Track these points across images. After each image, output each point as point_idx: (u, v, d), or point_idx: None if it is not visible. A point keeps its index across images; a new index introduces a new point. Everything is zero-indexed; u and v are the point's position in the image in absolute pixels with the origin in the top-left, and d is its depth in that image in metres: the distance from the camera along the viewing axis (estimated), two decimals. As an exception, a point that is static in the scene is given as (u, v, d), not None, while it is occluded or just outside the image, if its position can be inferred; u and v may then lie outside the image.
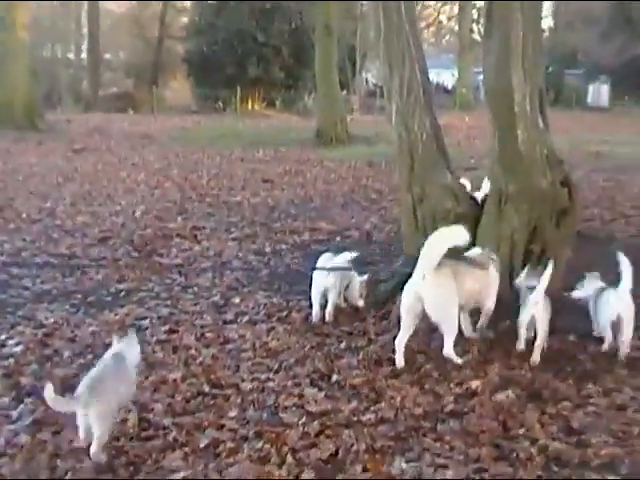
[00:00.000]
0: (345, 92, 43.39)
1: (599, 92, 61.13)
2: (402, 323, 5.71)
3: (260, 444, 4.33)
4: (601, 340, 5.85)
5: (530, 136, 6.47)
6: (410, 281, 5.73)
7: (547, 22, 62.62)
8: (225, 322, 6.64)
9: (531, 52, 6.46)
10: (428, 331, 6.10)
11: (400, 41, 7.03)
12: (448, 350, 5.58)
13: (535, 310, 5.70)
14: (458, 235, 5.74)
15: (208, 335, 6.28)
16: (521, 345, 5.79)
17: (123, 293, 7.56)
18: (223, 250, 9.34)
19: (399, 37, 7.03)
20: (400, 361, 5.56)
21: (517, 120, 6.40)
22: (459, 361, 5.53)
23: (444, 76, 63.82)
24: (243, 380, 5.30)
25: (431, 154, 7.07)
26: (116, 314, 6.85)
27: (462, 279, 5.81)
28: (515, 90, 6.37)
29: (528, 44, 6.41)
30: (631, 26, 51.96)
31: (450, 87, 59.61)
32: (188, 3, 52.60)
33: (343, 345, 5.98)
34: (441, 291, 5.65)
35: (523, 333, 5.80)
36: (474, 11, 52.93)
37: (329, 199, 13.53)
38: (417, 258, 5.69)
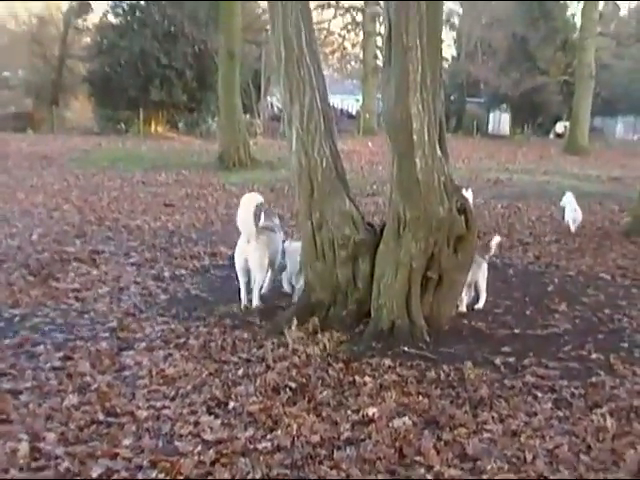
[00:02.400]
0: (249, 116, 43.53)
1: (499, 120, 62.78)
2: (239, 278, 7.90)
3: (154, 473, 4.28)
4: (493, 367, 6.00)
5: (428, 164, 6.59)
6: (240, 244, 7.83)
7: (450, 51, 63.88)
8: (121, 349, 6.50)
9: (429, 82, 6.60)
10: (325, 357, 6.17)
11: (301, 69, 7.08)
12: (256, 300, 7.78)
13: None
14: (253, 198, 7.79)
15: (104, 362, 6.14)
16: None
17: (17, 318, 7.34)
18: (121, 275, 9.19)
19: (300, 65, 7.07)
20: (245, 300, 7.84)
21: (415, 148, 6.53)
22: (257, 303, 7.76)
23: (348, 102, 64.49)
24: (139, 408, 5.21)
25: (330, 181, 7.12)
26: (9, 339, 6.64)
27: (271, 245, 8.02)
28: (413, 119, 6.49)
29: (426, 74, 6.55)
30: (529, 59, 53.46)
31: (354, 113, 60.13)
32: (90, 23, 51.88)
33: (241, 372, 5.94)
34: (258, 252, 7.77)
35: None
36: (378, 38, 53.62)
37: (230, 223, 13.42)
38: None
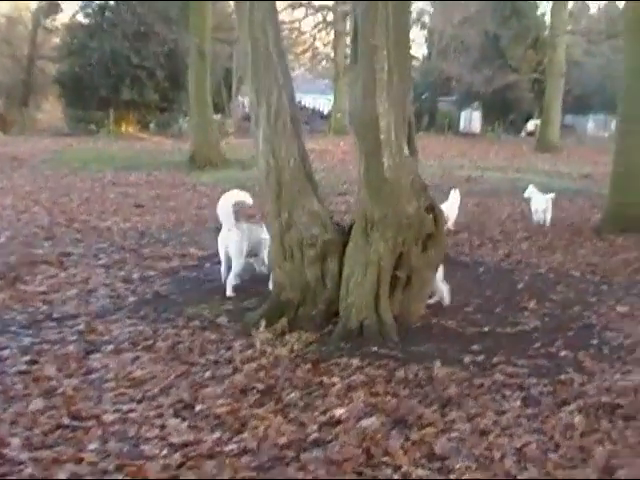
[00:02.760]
0: (221, 115, 43.44)
1: (471, 118, 63.04)
2: (222, 262, 8.54)
3: (120, 477, 4.23)
4: (463, 365, 6.00)
5: (395, 163, 6.59)
6: (221, 233, 8.51)
7: (421, 50, 64.06)
8: (89, 351, 6.43)
9: (397, 81, 6.58)
10: (293, 358, 6.15)
11: (268, 69, 7.07)
12: (230, 280, 8.30)
13: None
14: (236, 193, 8.72)
15: (71, 365, 6.08)
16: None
17: (-17, 322, 7.28)
18: (90, 277, 9.10)
19: (267, 65, 7.07)
20: (229, 292, 8.23)
21: (382, 147, 6.54)
22: (229, 293, 8.16)
23: (320, 101, 64.44)
24: (105, 411, 5.15)
25: (298, 181, 7.10)
26: (-26, 344, 6.58)
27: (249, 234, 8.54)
28: (380, 118, 6.50)
29: (394, 73, 6.53)
30: (501, 56, 53.70)
31: (326, 112, 60.13)
32: (60, 24, 51.59)
33: (208, 374, 5.89)
34: (237, 239, 8.38)
35: None
36: (349, 38, 53.67)
37: (200, 224, 13.43)
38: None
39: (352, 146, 7.01)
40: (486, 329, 7.23)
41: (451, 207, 12.62)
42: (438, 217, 7.00)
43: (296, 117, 7.27)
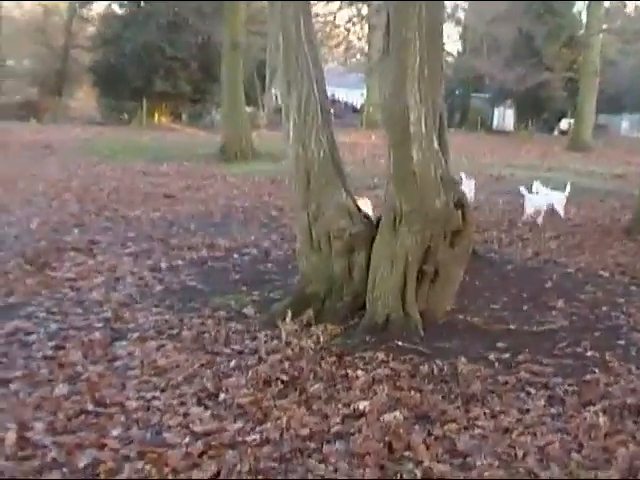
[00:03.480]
0: (253, 108, 43.45)
1: (504, 116, 62.61)
2: None
3: (141, 464, 4.25)
4: (487, 362, 5.96)
5: (425, 157, 6.55)
6: None
7: (455, 47, 63.69)
8: (114, 339, 6.48)
9: (428, 74, 6.53)
10: (318, 350, 6.14)
11: (299, 59, 7.06)
12: None
13: None
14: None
15: (96, 352, 6.12)
16: None
17: (11, 307, 7.33)
18: (118, 265, 9.16)
19: (298, 55, 7.06)
20: None
21: (412, 140, 6.49)
22: None
23: (353, 95, 64.31)
24: (128, 398, 5.19)
25: (327, 173, 7.09)
26: (2, 328, 6.61)
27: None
28: (410, 110, 6.45)
29: (425, 65, 6.49)
30: (534, 55, 53.27)
31: (359, 106, 59.99)
32: (95, 13, 51.91)
33: (233, 364, 5.90)
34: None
35: None
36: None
37: (229, 215, 13.45)
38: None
39: (383, 140, 6.95)
40: (512, 327, 7.17)
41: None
42: (467, 213, 6.94)
43: (326, 109, 7.25)
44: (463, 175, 14.48)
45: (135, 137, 32.76)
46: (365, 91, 56.09)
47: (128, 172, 20.32)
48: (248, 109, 32.75)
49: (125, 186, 17.26)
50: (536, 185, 14.07)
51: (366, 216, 7.31)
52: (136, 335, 6.59)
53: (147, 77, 43.09)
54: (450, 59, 60.34)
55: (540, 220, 13.44)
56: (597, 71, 39.86)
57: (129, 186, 17.32)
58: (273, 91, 53.09)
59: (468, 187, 12.97)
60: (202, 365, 5.88)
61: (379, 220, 7.09)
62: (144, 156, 24.56)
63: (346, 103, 61.36)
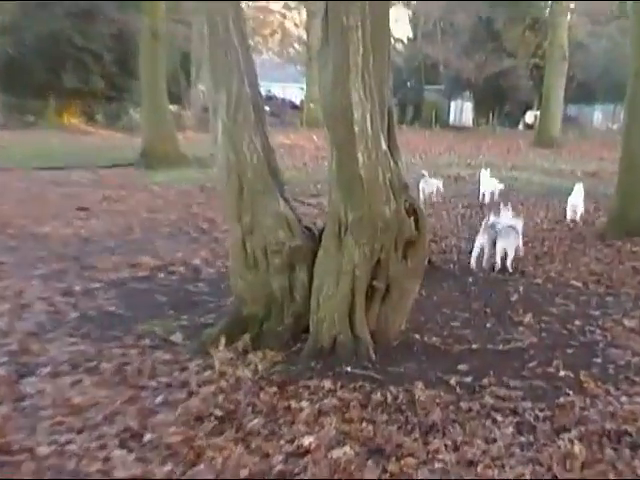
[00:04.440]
0: (177, 106, 43.26)
1: (462, 109, 63.16)
2: None
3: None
4: (448, 388, 6.01)
5: (371, 159, 6.55)
6: None
7: (405, 32, 64.05)
8: (22, 375, 6.40)
9: (374, 65, 6.55)
10: (257, 380, 6.15)
11: (228, 51, 7.02)
12: None
13: None
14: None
15: (0, 391, 6.04)
16: None
17: None
18: (25, 290, 9.06)
19: (226, 49, 7.01)
20: None
21: (356, 141, 6.48)
22: None
23: (291, 90, 64.42)
24: (39, 444, 5.12)
25: (263, 179, 7.06)
26: None
27: None
28: (354, 107, 6.44)
29: (369, 55, 6.49)
30: (494, 39, 53.76)
31: (298, 103, 60.08)
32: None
33: (160, 399, 5.88)
34: None
35: None
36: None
37: (153, 230, 13.40)
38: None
39: (326, 140, 6.96)
40: (475, 346, 7.26)
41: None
42: (420, 220, 6.98)
43: (260, 107, 7.24)
44: (425, 173, 14.78)
45: (43, 141, 32.38)
46: (305, 85, 56.23)
47: (36, 182, 20.11)
48: (172, 108, 32.60)
49: (33, 198, 17.10)
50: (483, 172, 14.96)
51: (307, 228, 7.32)
52: (47, 370, 6.52)
53: (54, 71, 42.58)
54: (399, 46, 60.73)
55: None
56: (565, 56, 40.19)
57: (37, 198, 17.16)
58: (200, 87, 52.99)
59: (435, 187, 13.36)
60: (125, 402, 5.83)
61: (322, 232, 7.10)
62: (54, 163, 24.25)
63: (283, 99, 61.37)
